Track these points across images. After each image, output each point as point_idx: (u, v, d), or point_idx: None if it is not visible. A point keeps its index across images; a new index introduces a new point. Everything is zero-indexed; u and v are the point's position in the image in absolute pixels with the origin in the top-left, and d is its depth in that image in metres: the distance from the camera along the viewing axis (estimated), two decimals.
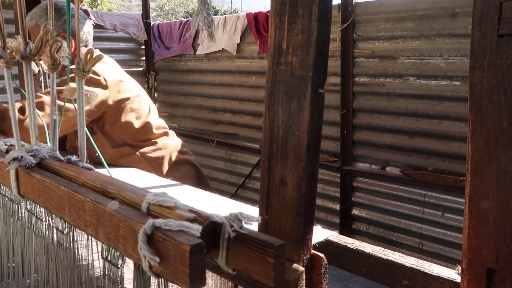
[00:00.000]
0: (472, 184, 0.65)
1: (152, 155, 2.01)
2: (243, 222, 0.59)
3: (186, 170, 2.15)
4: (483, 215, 0.64)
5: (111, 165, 1.96)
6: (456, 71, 3.21)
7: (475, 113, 0.64)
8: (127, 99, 1.93)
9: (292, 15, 0.65)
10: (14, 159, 0.86)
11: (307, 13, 0.63)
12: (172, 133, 2.17)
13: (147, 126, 2.01)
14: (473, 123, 0.64)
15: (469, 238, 0.66)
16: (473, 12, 0.64)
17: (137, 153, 1.98)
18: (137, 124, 1.97)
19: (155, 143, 2.04)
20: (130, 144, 1.97)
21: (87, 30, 1.97)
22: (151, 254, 0.54)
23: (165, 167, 2.05)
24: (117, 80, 1.89)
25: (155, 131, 2.05)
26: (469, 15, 3.06)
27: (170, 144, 2.11)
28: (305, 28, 0.64)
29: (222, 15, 5.02)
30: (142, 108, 2.00)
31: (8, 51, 0.95)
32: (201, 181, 2.20)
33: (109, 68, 1.92)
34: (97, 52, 1.96)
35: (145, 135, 2.01)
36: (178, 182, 1.75)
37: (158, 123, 2.10)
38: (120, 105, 1.90)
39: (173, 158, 2.10)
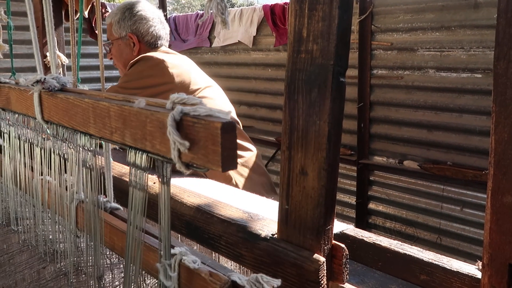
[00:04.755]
0: (495, 178, 0.63)
1: None
2: (264, 286, 0.58)
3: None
4: (506, 209, 0.63)
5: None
6: (477, 64, 3.14)
7: (499, 105, 0.62)
8: (197, 89, 1.78)
9: (313, 2, 0.64)
10: (37, 81, 0.84)
11: (328, 0, 0.62)
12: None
13: None
14: (497, 115, 0.62)
15: (491, 233, 0.64)
16: (499, 0, 0.62)
17: None
18: None
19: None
20: None
21: (151, 31, 1.86)
22: (181, 138, 0.52)
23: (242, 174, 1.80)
24: (187, 71, 1.78)
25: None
26: (492, 6, 2.98)
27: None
28: (326, 15, 0.62)
29: (238, 7, 5.01)
30: (219, 101, 1.84)
31: None
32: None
33: (176, 58, 1.83)
34: (170, 51, 1.78)
35: None
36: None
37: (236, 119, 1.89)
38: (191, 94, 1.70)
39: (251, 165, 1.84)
